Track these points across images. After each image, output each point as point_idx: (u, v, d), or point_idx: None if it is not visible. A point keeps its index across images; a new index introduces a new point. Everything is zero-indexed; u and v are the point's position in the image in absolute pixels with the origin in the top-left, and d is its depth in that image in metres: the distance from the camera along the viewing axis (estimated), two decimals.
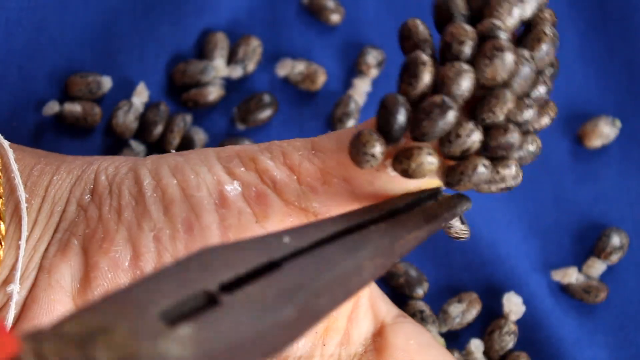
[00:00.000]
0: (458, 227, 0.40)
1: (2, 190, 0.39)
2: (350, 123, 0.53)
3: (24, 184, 0.40)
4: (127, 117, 0.52)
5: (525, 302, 0.50)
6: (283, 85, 0.54)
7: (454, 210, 0.39)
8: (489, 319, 0.50)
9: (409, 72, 0.36)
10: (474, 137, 0.36)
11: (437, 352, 0.44)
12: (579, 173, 0.53)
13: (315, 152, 0.40)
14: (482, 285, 0.50)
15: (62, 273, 0.39)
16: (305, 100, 0.54)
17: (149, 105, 0.52)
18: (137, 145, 0.52)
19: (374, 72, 0.54)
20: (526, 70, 0.36)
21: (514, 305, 0.49)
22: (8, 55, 0.51)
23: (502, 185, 0.38)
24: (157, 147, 0.52)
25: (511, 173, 0.37)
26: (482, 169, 0.36)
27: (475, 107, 0.36)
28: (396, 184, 0.39)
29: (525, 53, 0.36)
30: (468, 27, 0.36)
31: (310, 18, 0.56)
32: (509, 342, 0.49)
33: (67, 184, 0.41)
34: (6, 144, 0.41)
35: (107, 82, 0.52)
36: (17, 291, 0.39)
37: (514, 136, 0.36)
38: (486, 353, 0.49)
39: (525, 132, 0.37)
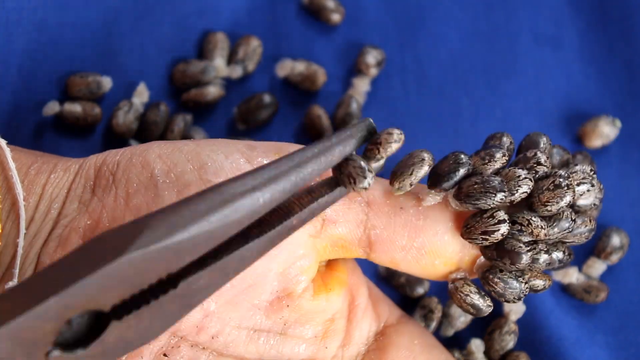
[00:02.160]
0: (480, 303, 0.41)
1: None
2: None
3: (21, 182, 0.40)
4: (128, 117, 0.52)
5: (526, 302, 0.50)
6: (283, 85, 0.54)
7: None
8: (489, 318, 0.50)
9: (488, 152, 0.40)
10: (503, 229, 0.39)
11: (440, 352, 0.44)
12: None
13: None
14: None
15: None
16: (306, 100, 0.54)
17: (149, 105, 0.52)
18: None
19: (373, 72, 0.54)
20: (565, 225, 0.40)
21: (513, 305, 0.49)
22: (8, 55, 0.50)
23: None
24: None
25: (500, 288, 0.40)
26: (505, 227, 0.39)
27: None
28: (406, 230, 0.41)
29: (574, 215, 0.40)
30: (549, 160, 0.41)
31: (310, 18, 0.56)
32: (509, 341, 0.49)
33: (65, 181, 0.41)
34: (3, 142, 0.40)
35: (107, 82, 0.52)
36: None
37: (525, 258, 0.39)
38: (486, 353, 0.49)
39: (522, 271, 0.41)
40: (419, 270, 0.41)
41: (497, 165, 0.40)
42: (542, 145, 0.41)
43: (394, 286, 0.51)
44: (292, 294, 0.41)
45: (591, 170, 0.41)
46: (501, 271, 0.40)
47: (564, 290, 0.51)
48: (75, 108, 0.51)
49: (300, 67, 0.54)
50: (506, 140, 0.41)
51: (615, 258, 0.51)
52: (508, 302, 0.40)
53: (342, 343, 0.43)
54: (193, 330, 0.40)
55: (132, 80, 0.53)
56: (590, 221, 0.41)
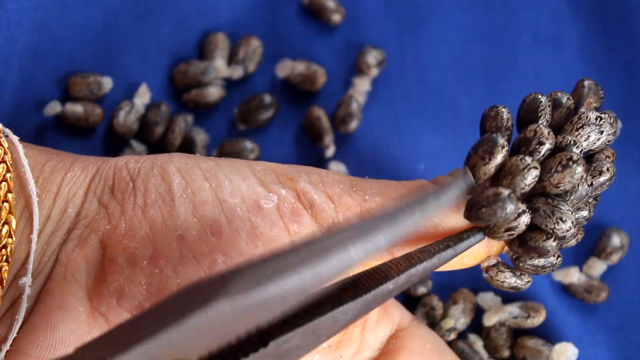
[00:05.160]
0: (518, 284, 0.41)
1: (12, 185, 0.39)
2: (353, 124, 0.53)
3: (36, 180, 0.40)
4: (129, 118, 0.52)
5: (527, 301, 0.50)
6: (283, 85, 0.54)
7: (465, 242, 0.39)
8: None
9: (486, 148, 0.38)
10: (525, 219, 0.38)
11: (451, 357, 0.44)
12: None
13: (357, 190, 0.41)
14: (484, 284, 0.50)
15: (78, 268, 0.39)
16: (306, 100, 0.54)
17: (150, 106, 0.52)
18: (138, 146, 0.52)
19: (374, 72, 0.54)
20: (583, 191, 0.39)
21: (489, 302, 0.50)
22: (9, 55, 0.50)
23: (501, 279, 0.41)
24: (159, 147, 0.52)
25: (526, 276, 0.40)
26: (526, 219, 0.38)
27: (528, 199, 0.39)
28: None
29: (589, 177, 0.39)
30: (550, 132, 0.38)
31: (310, 18, 0.56)
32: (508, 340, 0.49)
33: (83, 180, 0.41)
34: (16, 139, 0.41)
35: (107, 83, 0.52)
36: (29, 284, 0.39)
37: (551, 244, 0.39)
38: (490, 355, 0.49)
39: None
40: (449, 268, 0.41)
41: (499, 160, 0.38)
42: (541, 112, 0.39)
43: None
44: None
45: (597, 118, 0.39)
46: (530, 257, 0.40)
47: (565, 290, 0.51)
48: (76, 108, 0.51)
49: (300, 67, 0.54)
50: (507, 119, 0.40)
51: (615, 258, 0.51)
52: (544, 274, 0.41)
53: (357, 350, 0.42)
54: None
55: (133, 80, 0.53)
56: (608, 169, 0.40)
